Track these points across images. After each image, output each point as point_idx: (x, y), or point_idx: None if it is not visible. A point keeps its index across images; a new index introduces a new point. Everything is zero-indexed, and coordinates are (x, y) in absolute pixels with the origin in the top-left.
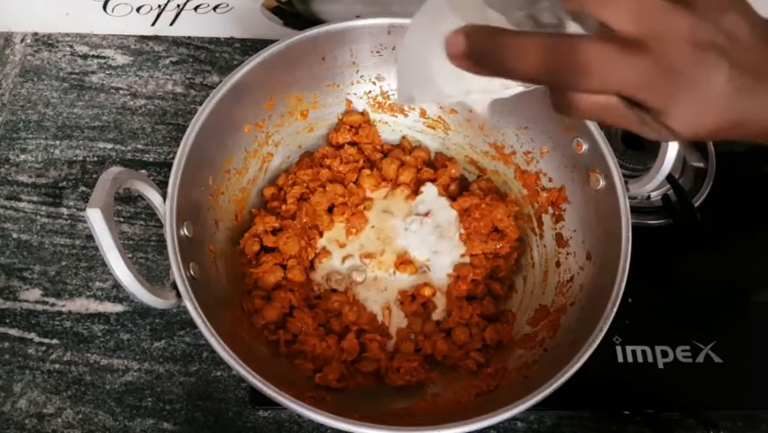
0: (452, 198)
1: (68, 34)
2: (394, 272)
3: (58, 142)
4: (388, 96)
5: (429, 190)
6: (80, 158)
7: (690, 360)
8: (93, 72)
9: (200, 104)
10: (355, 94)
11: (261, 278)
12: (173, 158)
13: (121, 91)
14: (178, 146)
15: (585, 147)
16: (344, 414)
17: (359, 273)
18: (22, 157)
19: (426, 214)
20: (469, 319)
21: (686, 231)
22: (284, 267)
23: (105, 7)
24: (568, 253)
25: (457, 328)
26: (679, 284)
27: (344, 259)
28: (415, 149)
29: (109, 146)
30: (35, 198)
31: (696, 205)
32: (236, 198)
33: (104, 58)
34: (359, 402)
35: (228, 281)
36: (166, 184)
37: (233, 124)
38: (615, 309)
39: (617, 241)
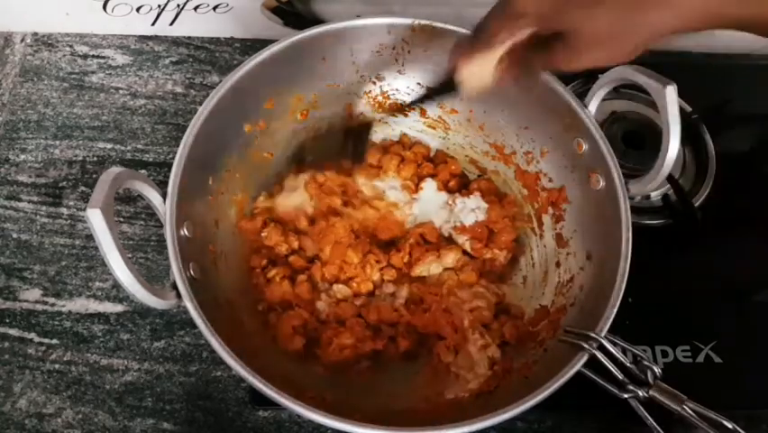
0: (452, 194)
1: (68, 34)
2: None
3: (58, 142)
4: (388, 95)
5: (429, 186)
6: (80, 158)
7: (690, 360)
8: (93, 72)
9: (200, 104)
10: (355, 94)
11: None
12: (173, 158)
13: (121, 91)
14: (178, 146)
15: (585, 147)
16: (344, 414)
17: None
18: (22, 157)
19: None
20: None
21: (686, 231)
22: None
23: (105, 7)
24: (568, 254)
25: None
26: (679, 284)
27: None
28: (414, 144)
29: (109, 146)
30: (35, 198)
31: (696, 205)
32: (236, 198)
33: (104, 58)
34: (359, 402)
35: (228, 281)
36: (166, 184)
37: (233, 124)
38: (615, 309)
39: (617, 241)
